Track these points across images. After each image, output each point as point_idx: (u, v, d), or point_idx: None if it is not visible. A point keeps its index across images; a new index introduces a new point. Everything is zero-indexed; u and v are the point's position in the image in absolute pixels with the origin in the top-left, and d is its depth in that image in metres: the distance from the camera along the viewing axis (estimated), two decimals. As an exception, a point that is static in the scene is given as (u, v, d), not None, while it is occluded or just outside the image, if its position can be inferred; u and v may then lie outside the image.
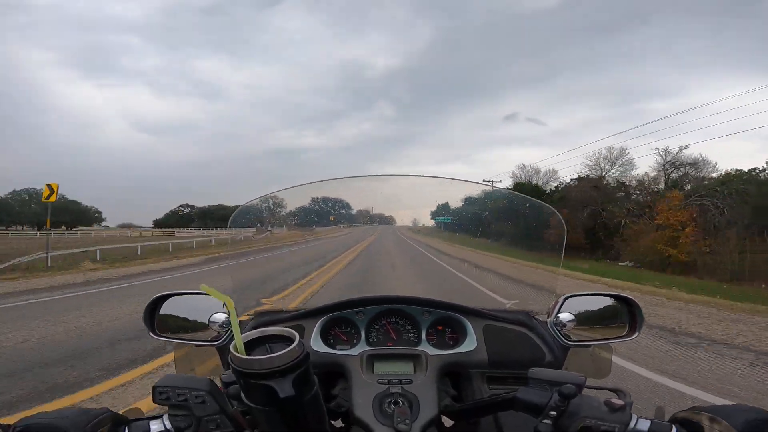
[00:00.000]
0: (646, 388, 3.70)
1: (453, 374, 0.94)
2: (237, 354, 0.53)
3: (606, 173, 28.61)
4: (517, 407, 0.65)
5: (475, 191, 1.35)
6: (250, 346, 0.57)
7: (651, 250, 20.51)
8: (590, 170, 29.20)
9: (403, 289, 1.20)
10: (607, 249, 24.29)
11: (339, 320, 1.00)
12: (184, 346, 0.99)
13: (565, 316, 0.94)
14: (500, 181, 31.58)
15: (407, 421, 0.74)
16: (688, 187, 23.93)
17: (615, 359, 1.04)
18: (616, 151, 28.11)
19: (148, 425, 0.61)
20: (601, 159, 28.58)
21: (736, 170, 22.69)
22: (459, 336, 0.96)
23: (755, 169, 21.93)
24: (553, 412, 0.60)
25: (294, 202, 1.42)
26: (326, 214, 1.50)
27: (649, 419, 0.59)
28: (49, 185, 13.31)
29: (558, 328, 0.94)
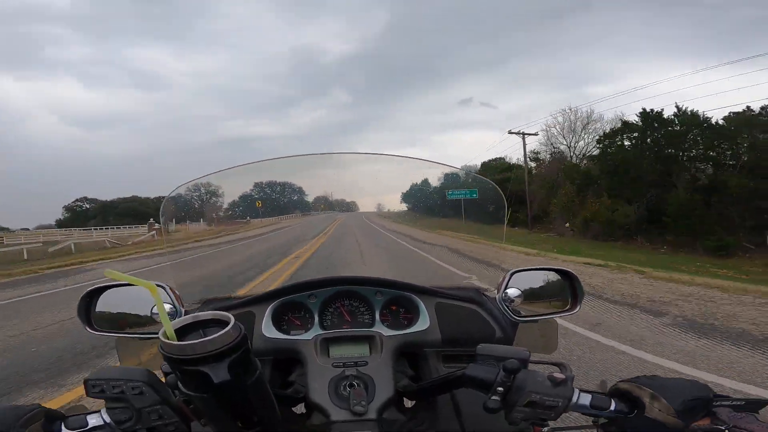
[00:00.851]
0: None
1: (410, 354, 0.95)
2: (166, 340, 0.51)
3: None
4: (466, 384, 0.67)
5: (438, 173, 1.35)
6: (185, 332, 0.54)
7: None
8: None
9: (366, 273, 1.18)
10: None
11: (291, 305, 0.98)
12: (127, 340, 0.95)
13: (512, 292, 0.96)
14: (536, 134, 28.81)
15: (363, 402, 0.74)
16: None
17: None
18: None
19: (86, 420, 0.59)
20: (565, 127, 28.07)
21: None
22: (413, 316, 0.97)
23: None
24: (500, 388, 0.62)
25: (233, 188, 1.27)
26: (273, 201, 1.38)
27: (591, 392, 0.62)
28: None
29: (506, 303, 0.96)
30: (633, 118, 22.53)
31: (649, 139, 21.81)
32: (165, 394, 0.58)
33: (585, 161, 26.57)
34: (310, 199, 1.51)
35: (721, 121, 19.57)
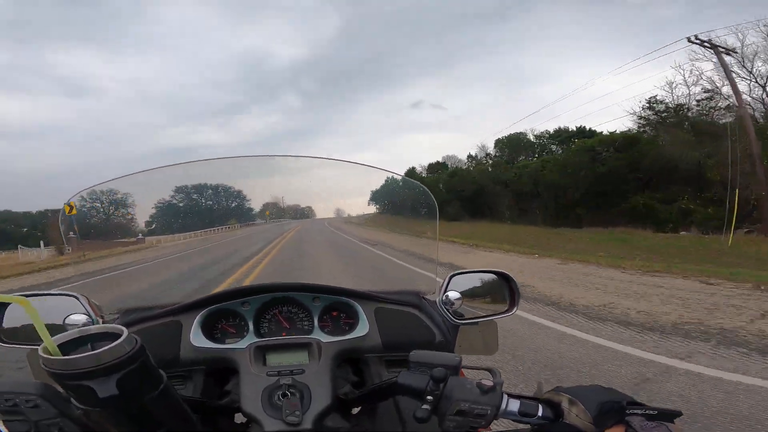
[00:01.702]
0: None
1: (354, 361, 0.93)
2: (43, 355, 0.49)
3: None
4: (399, 392, 0.65)
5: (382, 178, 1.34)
6: (73, 346, 0.52)
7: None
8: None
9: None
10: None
11: (224, 313, 0.94)
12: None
13: (452, 295, 0.97)
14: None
15: (297, 412, 0.71)
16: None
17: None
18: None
19: None
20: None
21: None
22: (354, 321, 0.95)
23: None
24: (430, 397, 0.61)
25: (147, 196, 1.14)
26: (202, 211, 1.26)
27: (519, 397, 0.63)
28: None
29: (447, 306, 0.96)
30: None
31: None
32: (64, 407, 0.56)
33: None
34: (255, 206, 1.39)
35: None
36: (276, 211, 1.48)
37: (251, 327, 0.92)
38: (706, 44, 16.54)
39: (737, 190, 13.14)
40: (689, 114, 21.52)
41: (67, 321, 0.86)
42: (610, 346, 3.91)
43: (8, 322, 0.87)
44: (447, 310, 0.96)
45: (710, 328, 4.34)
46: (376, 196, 1.39)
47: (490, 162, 34.47)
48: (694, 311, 5.01)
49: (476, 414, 0.60)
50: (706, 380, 3.09)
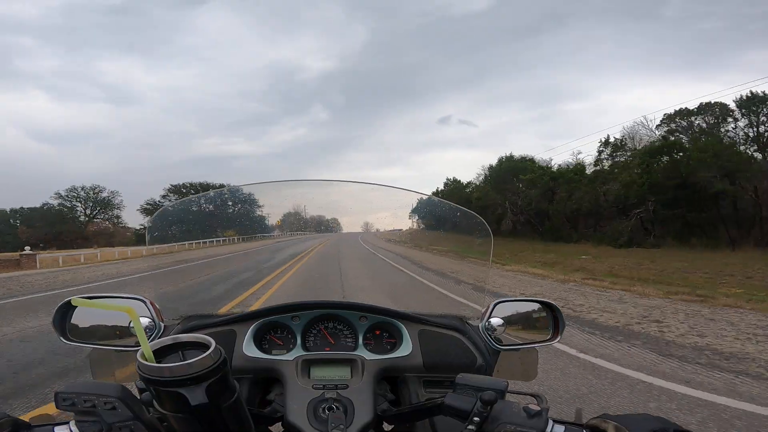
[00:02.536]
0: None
1: (392, 379, 0.95)
2: (143, 361, 0.51)
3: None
4: (445, 412, 0.67)
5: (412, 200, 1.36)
6: (164, 352, 0.55)
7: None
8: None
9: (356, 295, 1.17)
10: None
11: (274, 325, 0.98)
12: (102, 352, 0.93)
13: (495, 321, 0.99)
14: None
15: (341, 425, 0.73)
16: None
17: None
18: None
19: (53, 430, 0.58)
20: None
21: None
22: (396, 341, 0.97)
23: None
24: (476, 418, 0.62)
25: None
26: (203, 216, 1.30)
27: (564, 423, 0.63)
28: None
29: (489, 332, 0.98)
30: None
31: None
32: (138, 410, 0.58)
33: None
34: (269, 214, 1.35)
35: None
36: (295, 222, 1.41)
37: (299, 340, 0.95)
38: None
39: None
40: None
41: (132, 324, 0.90)
42: None
43: (75, 321, 0.90)
44: (489, 335, 0.98)
45: None
46: (423, 217, 1.41)
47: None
48: None
49: None
50: None
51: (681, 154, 23.21)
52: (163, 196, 48.12)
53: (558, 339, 1.00)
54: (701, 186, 20.87)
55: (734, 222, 21.75)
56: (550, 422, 0.62)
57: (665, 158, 23.75)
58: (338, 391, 0.82)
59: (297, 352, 0.92)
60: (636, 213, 23.42)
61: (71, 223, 47.40)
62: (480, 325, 0.99)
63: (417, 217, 1.42)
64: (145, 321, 0.91)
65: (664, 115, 28.96)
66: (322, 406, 0.78)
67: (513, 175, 32.40)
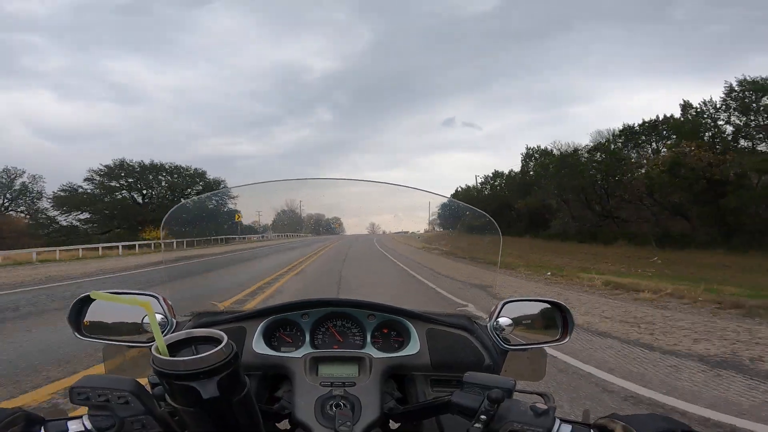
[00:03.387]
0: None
1: (399, 377, 0.95)
2: (158, 355, 0.52)
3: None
4: (452, 410, 0.68)
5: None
6: (177, 347, 0.56)
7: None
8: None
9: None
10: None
11: (283, 322, 0.99)
12: (115, 347, 0.95)
13: (503, 321, 0.98)
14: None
15: (348, 423, 0.74)
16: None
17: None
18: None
19: (66, 425, 0.59)
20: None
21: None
22: (404, 339, 0.98)
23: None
24: (483, 416, 0.63)
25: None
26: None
27: (571, 423, 0.63)
28: None
29: (497, 332, 0.98)
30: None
31: None
32: (151, 405, 0.59)
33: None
34: (256, 212, 1.32)
35: None
36: (289, 221, 1.34)
37: (308, 338, 0.96)
38: None
39: None
40: None
41: (145, 320, 0.91)
42: None
43: (89, 317, 0.92)
44: (497, 335, 0.97)
45: None
46: (432, 218, 1.40)
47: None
48: None
49: None
50: None
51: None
52: (88, 179, 36.31)
53: (567, 340, 1.00)
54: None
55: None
56: (557, 421, 0.62)
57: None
58: (346, 388, 0.82)
59: (306, 350, 0.93)
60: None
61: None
62: (488, 324, 0.99)
63: (438, 219, 1.40)
64: (158, 317, 0.91)
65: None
66: (330, 404, 0.79)
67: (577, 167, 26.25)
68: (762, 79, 19.93)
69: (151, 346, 0.54)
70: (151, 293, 0.94)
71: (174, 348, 0.55)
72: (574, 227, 27.28)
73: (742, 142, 21.50)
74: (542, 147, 32.60)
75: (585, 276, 10.59)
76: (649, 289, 8.47)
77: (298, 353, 0.92)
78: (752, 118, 20.86)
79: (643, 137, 26.21)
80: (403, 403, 0.88)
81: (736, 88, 20.96)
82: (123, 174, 37.44)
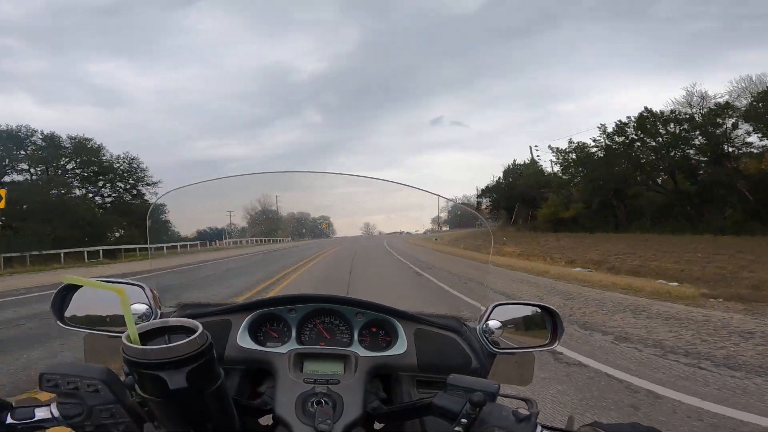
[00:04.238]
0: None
1: (385, 377, 0.94)
2: (128, 343, 0.52)
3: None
4: (433, 412, 0.67)
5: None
6: (150, 336, 0.55)
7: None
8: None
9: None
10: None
11: (270, 317, 0.98)
12: (96, 337, 0.94)
13: (493, 324, 0.98)
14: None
15: (328, 421, 0.73)
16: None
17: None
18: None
19: (33, 412, 0.59)
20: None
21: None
22: (392, 339, 0.97)
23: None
24: (464, 420, 0.62)
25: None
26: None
27: (553, 429, 0.63)
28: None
29: (486, 335, 0.97)
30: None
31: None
32: (121, 394, 0.58)
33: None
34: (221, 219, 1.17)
35: None
36: (265, 222, 1.21)
37: (294, 334, 0.95)
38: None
39: None
40: None
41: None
42: None
43: (73, 306, 0.92)
44: (486, 338, 0.97)
45: None
46: (433, 218, 1.38)
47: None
48: None
49: None
50: None
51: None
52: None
53: (556, 344, 0.99)
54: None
55: None
56: (539, 427, 0.61)
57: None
58: (329, 386, 0.81)
59: (291, 346, 0.92)
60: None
61: None
62: (477, 327, 0.99)
63: (441, 219, 1.38)
64: (142, 307, 0.91)
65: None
66: (311, 401, 0.78)
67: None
68: None
69: (123, 336, 0.53)
70: (137, 282, 0.93)
71: (148, 337, 0.55)
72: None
73: None
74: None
75: None
76: None
77: (283, 349, 0.91)
78: None
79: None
80: (387, 404, 0.87)
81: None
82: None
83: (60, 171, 26.56)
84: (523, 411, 0.61)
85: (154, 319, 0.91)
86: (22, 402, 0.61)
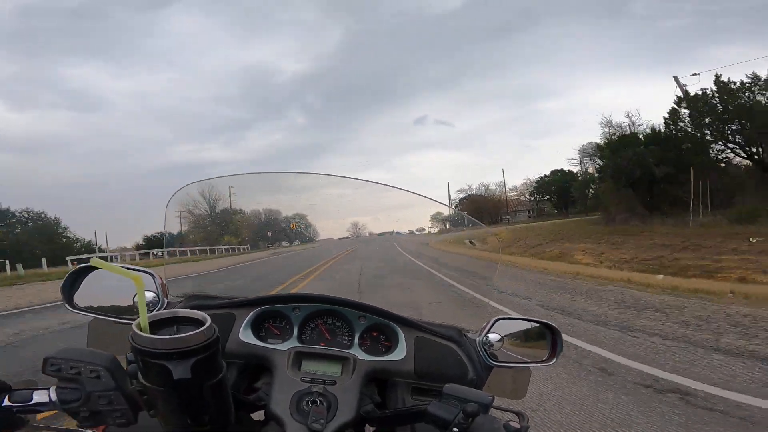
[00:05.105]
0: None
1: (381, 382, 0.95)
2: (138, 331, 0.53)
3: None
4: (426, 420, 0.68)
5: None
6: (159, 325, 0.56)
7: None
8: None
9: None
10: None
11: (274, 314, 0.99)
12: (101, 323, 0.95)
13: (493, 337, 0.98)
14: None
15: (321, 420, 0.74)
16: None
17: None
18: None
19: (31, 395, 0.59)
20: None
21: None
22: (392, 344, 0.98)
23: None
24: (456, 429, 0.63)
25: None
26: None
27: None
28: None
29: (485, 348, 0.98)
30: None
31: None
32: (122, 381, 0.59)
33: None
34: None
35: None
36: (213, 225, 1.14)
37: (296, 332, 0.96)
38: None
39: None
40: None
41: (136, 297, 0.91)
42: None
43: (82, 291, 0.93)
44: (485, 351, 0.98)
45: None
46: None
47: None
48: None
49: None
50: None
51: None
52: None
53: (554, 361, 1.00)
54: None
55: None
56: None
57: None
58: (325, 386, 0.82)
59: (292, 344, 0.93)
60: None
61: None
62: (477, 339, 0.99)
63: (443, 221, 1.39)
64: (150, 295, 0.93)
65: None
66: (306, 399, 0.79)
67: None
68: None
69: (133, 323, 0.54)
70: (147, 270, 0.94)
71: (157, 326, 0.56)
72: None
73: None
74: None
75: None
76: None
77: (283, 346, 0.92)
78: None
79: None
80: (381, 408, 0.88)
81: None
82: None
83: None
84: (514, 424, 0.62)
85: (160, 307, 0.93)
86: (21, 385, 0.62)
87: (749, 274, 8.84)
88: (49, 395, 0.59)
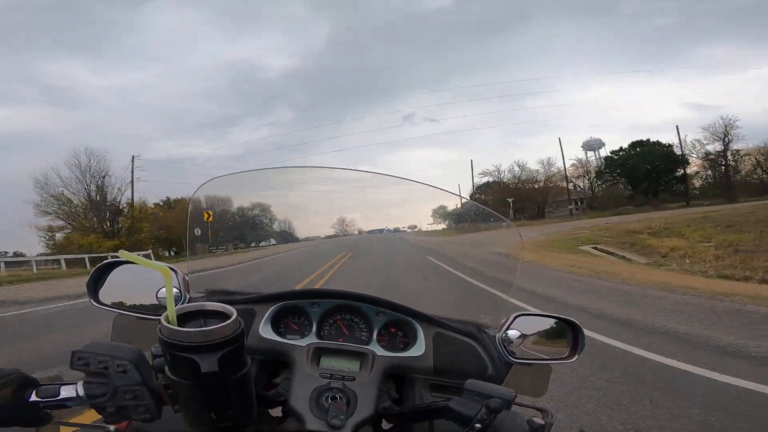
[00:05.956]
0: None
1: (398, 377, 0.95)
2: (167, 324, 0.53)
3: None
4: (447, 416, 0.68)
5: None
6: (186, 319, 0.56)
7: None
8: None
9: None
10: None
11: (293, 309, 0.99)
12: (126, 318, 0.96)
13: (513, 333, 0.97)
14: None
15: (341, 416, 0.74)
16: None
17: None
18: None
19: (59, 390, 0.60)
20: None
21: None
22: (410, 340, 0.97)
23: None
24: (478, 425, 0.63)
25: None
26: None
27: None
28: None
29: (505, 344, 0.96)
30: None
31: None
32: (147, 376, 0.59)
33: None
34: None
35: None
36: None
37: (314, 328, 0.96)
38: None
39: None
40: None
41: (159, 294, 0.93)
42: None
43: (107, 286, 0.95)
44: (504, 347, 0.96)
45: None
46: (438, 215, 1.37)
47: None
48: None
49: None
50: None
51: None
52: None
53: (575, 358, 0.98)
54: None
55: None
56: None
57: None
58: (344, 382, 0.82)
59: (310, 339, 0.94)
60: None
61: None
62: (497, 335, 0.98)
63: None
64: (173, 290, 0.94)
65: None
66: (326, 395, 0.79)
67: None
68: None
69: (161, 316, 0.54)
70: (169, 265, 0.96)
71: (183, 320, 0.56)
72: None
73: None
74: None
75: None
76: None
77: (302, 342, 0.92)
78: None
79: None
80: (398, 404, 0.88)
81: None
82: None
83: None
84: (538, 420, 0.61)
85: (183, 302, 0.94)
86: (48, 379, 0.62)
87: None
88: (77, 390, 0.59)
